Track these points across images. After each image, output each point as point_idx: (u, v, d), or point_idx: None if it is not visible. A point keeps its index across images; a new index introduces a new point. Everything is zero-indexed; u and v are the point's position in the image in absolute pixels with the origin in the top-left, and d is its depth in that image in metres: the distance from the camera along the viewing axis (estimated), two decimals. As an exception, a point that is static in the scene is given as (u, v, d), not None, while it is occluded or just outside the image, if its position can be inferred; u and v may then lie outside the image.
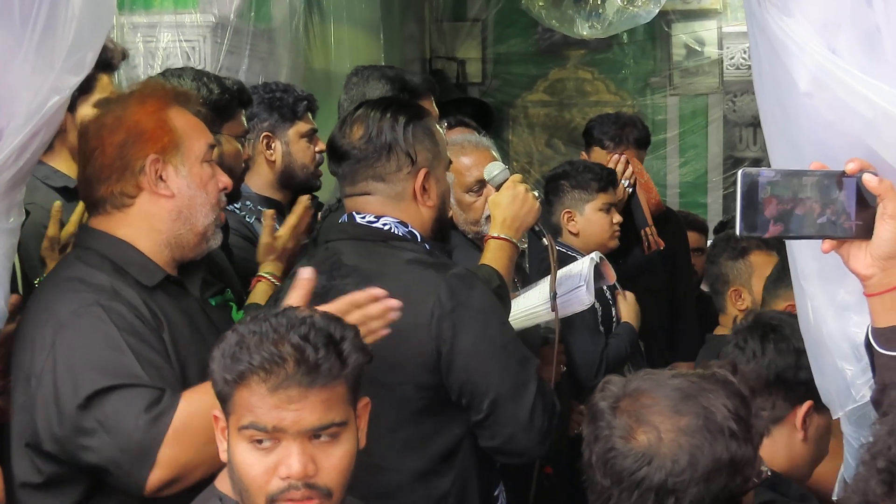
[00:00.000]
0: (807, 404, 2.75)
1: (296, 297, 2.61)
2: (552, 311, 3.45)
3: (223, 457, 2.32)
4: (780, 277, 3.65)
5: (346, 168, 3.11)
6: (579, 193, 4.91)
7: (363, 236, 3.08)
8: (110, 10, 2.86)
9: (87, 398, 2.56)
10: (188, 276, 2.93)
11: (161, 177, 2.81)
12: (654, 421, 2.06)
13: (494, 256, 3.43)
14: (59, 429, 2.59)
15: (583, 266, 3.73)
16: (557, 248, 4.69)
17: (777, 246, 3.69)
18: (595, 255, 3.79)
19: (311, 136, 4.45)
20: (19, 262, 3.00)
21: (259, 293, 3.49)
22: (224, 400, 2.28)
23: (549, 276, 3.63)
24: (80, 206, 3.16)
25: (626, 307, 4.77)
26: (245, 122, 3.92)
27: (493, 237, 3.47)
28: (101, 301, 2.67)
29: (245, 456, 2.24)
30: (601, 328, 4.69)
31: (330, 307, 2.51)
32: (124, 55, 3.65)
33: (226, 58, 6.07)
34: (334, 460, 2.26)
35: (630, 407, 2.09)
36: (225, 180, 2.91)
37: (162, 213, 2.82)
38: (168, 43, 5.93)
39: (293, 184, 4.40)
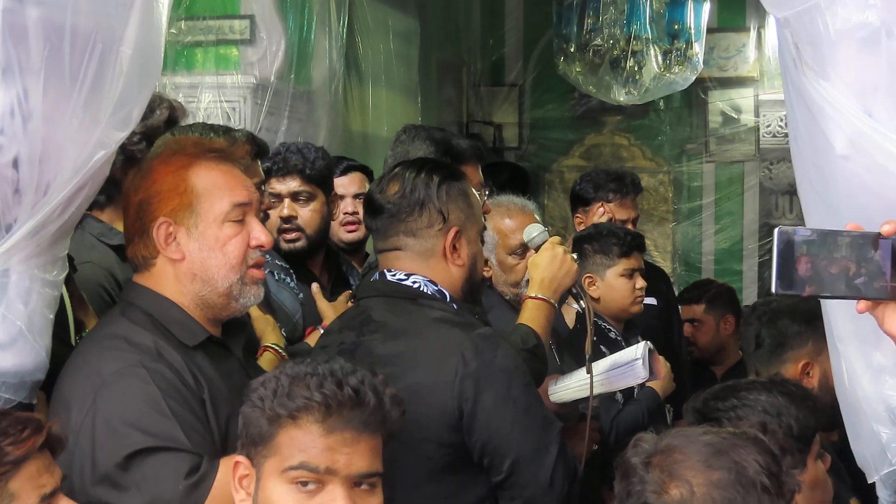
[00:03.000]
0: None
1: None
2: (587, 373, 3.46)
3: None
4: (778, 346, 3.64)
5: (380, 223, 3.16)
6: (601, 258, 4.88)
7: (393, 293, 3.12)
8: (157, 66, 2.89)
9: (126, 457, 2.54)
10: (232, 335, 2.92)
11: (175, 238, 2.78)
12: (686, 475, 2.07)
13: (532, 316, 3.46)
14: (93, 487, 2.56)
15: (637, 347, 3.74)
16: (577, 312, 4.72)
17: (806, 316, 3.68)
18: (648, 343, 3.78)
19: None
20: (73, 313, 3.03)
21: (265, 363, 3.43)
22: (261, 442, 2.28)
23: (606, 357, 3.67)
24: None
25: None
26: (260, 172, 3.84)
27: (531, 297, 3.50)
28: (145, 363, 2.64)
29: (286, 498, 2.25)
30: (618, 394, 4.62)
31: None
32: (183, 112, 3.69)
33: (265, 118, 6.14)
34: None
35: (662, 462, 2.10)
36: (261, 238, 2.83)
37: (179, 275, 2.79)
38: (209, 103, 6.01)
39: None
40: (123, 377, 2.63)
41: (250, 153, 3.61)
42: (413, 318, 3.06)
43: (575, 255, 3.62)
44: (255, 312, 3.49)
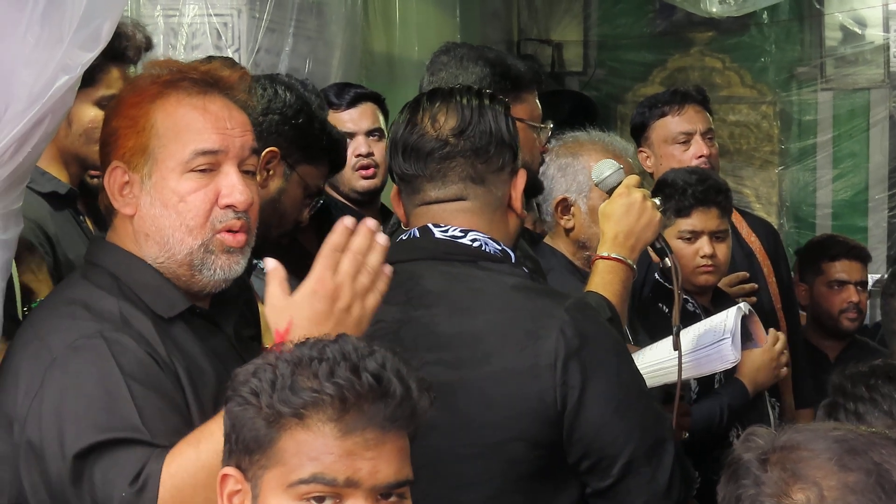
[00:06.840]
0: None
1: (275, 288, 2.58)
2: (675, 349, 3.44)
3: None
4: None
5: (432, 167, 3.06)
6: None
7: (447, 255, 3.04)
8: (132, -30, 2.90)
9: (74, 457, 2.54)
10: (222, 308, 2.92)
11: (131, 188, 2.78)
12: (814, 476, 2.06)
13: (604, 281, 3.44)
14: (48, 492, 2.59)
15: (727, 317, 3.70)
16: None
17: None
18: (744, 306, 3.74)
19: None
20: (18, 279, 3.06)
21: None
22: (258, 449, 2.23)
23: (691, 327, 3.65)
24: None
25: (747, 358, 4.44)
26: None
27: (603, 257, 3.49)
28: (105, 332, 2.65)
29: None
30: (692, 381, 4.47)
31: (310, 278, 2.57)
32: (147, 46, 3.66)
33: (265, 37, 6.13)
34: None
35: (783, 460, 2.09)
36: (234, 196, 2.77)
37: (136, 234, 2.81)
38: (194, 18, 6.00)
39: None
40: (77, 352, 2.63)
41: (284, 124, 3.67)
42: (486, 286, 3.00)
43: (658, 201, 3.59)
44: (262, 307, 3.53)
